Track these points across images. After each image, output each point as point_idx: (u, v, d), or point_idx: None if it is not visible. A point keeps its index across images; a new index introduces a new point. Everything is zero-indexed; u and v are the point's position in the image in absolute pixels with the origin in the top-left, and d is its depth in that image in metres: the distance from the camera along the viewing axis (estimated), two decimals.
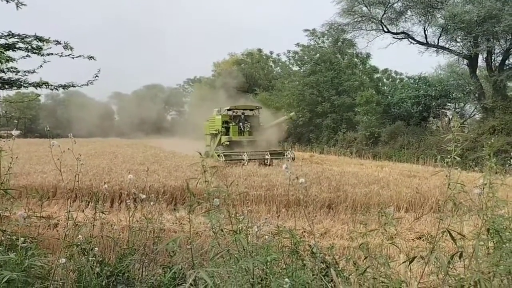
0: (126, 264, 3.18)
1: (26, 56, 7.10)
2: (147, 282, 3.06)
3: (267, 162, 21.54)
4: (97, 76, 7.25)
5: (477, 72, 28.47)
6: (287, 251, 3.31)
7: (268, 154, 22.05)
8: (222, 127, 24.18)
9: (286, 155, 22.70)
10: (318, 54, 40.62)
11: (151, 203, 4.31)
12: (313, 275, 3.12)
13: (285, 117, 26.45)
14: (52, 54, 7.15)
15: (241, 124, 24.40)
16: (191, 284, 2.05)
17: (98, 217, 3.69)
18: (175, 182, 12.63)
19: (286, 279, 2.30)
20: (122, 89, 79.88)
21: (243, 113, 25.01)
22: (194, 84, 67.72)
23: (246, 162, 20.36)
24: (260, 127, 25.03)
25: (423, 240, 8.65)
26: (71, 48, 7.08)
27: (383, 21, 29.49)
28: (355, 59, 40.10)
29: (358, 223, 9.35)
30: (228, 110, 24.93)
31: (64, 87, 7.25)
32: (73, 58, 7.16)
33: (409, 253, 2.38)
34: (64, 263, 2.98)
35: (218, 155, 21.44)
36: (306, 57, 42.48)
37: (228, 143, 23.33)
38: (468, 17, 23.62)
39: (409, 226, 9.85)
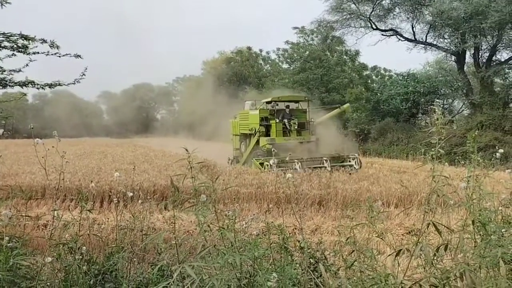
0: (114, 263, 3.16)
1: (12, 55, 7.01)
2: (135, 280, 3.05)
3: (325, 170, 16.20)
4: (84, 74, 7.18)
5: (464, 68, 28.73)
6: (276, 247, 3.32)
7: (328, 160, 16.81)
8: (261, 125, 18.43)
9: (349, 162, 17.56)
10: (307, 52, 40.67)
11: (140, 202, 4.29)
12: (302, 270, 3.13)
13: (337, 110, 20.96)
14: (38, 53, 7.07)
15: (285, 120, 18.53)
16: (179, 281, 2.05)
17: (85, 216, 3.66)
18: (165, 181, 12.58)
19: (274, 274, 2.30)
20: (111, 88, 79.26)
21: (287, 106, 19.13)
22: (184, 82, 67.49)
23: (300, 171, 15.47)
24: (311, 125, 19.22)
25: (412, 235, 8.72)
26: (58, 47, 7.00)
27: (371, 18, 29.60)
28: (344, 57, 40.23)
29: (345, 218, 9.41)
30: (268, 102, 19.15)
31: (51, 86, 7.17)
32: (59, 56, 7.08)
33: (397, 248, 2.41)
34: (51, 262, 2.96)
35: (262, 164, 16.17)
36: (295, 55, 42.52)
37: (270, 146, 17.06)
38: (456, 13, 23.82)
39: (398, 222, 9.91)
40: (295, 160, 16.02)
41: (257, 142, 18.29)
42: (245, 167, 17.26)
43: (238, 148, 20.87)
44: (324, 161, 16.75)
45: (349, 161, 17.56)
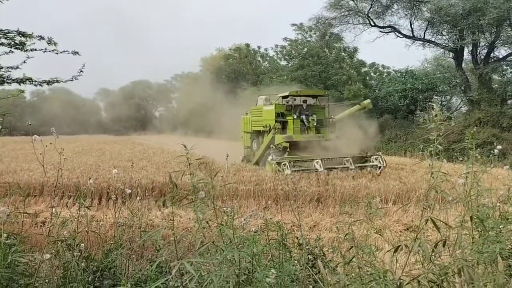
0: (112, 259, 3.16)
1: (9, 52, 6.99)
2: (133, 277, 3.05)
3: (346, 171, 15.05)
4: (81, 71, 7.17)
5: (462, 65, 28.75)
6: (275, 244, 3.32)
7: (351, 161, 15.57)
8: (277, 121, 16.91)
9: (372, 162, 16.23)
10: (305, 49, 40.62)
11: (138, 199, 4.29)
12: (300, 266, 3.14)
13: (357, 107, 19.32)
14: (35, 49, 7.06)
15: (304, 117, 17.08)
16: (178, 277, 2.05)
17: (83, 213, 3.65)
18: (163, 178, 12.58)
19: (272, 270, 2.30)
20: (109, 85, 79.05)
21: (304, 101, 17.72)
22: (182, 79, 67.35)
23: (321, 173, 14.18)
24: (331, 122, 17.73)
25: (410, 232, 8.75)
26: (55, 44, 6.99)
27: (369, 15, 29.57)
28: (343, 53, 40.20)
29: (344, 214, 9.43)
30: (284, 97, 17.72)
31: (48, 82, 7.16)
32: (57, 53, 7.07)
33: (396, 244, 2.41)
34: (49, 259, 2.96)
35: (279, 164, 14.38)
36: (293, 52, 42.47)
37: (287, 144, 16.00)
38: (454, 10, 23.82)
39: (396, 218, 9.94)
40: (316, 160, 15.01)
41: (272, 139, 16.72)
42: (259, 167, 16.08)
43: (249, 146, 19.47)
44: (346, 161, 15.53)
45: (372, 161, 16.25)
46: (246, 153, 19.61)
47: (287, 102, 17.52)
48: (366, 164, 16.11)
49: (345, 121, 18.45)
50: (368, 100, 20.56)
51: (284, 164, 14.19)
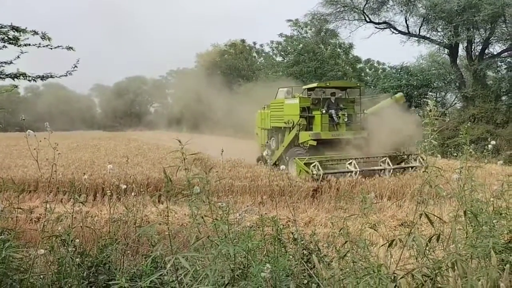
0: (107, 255, 3.16)
1: (3, 47, 6.93)
2: (128, 272, 3.04)
3: (383, 174, 13.61)
4: (76, 66, 7.12)
5: (457, 61, 28.85)
6: (270, 239, 3.33)
7: (388, 161, 13.99)
8: (301, 117, 15.11)
9: (410, 162, 14.77)
10: (301, 45, 40.59)
11: (133, 194, 4.28)
12: (295, 261, 3.15)
13: (389, 100, 17.26)
14: (29, 44, 7.00)
15: (332, 111, 15.14)
16: (173, 272, 2.05)
17: (78, 209, 3.64)
18: (158, 174, 12.56)
19: (267, 265, 2.31)
20: (104, 81, 78.75)
21: (333, 94, 15.73)
22: (177, 75, 67.11)
23: (356, 176, 12.94)
24: (363, 117, 15.77)
25: (405, 227, 8.80)
26: (49, 39, 6.94)
27: (365, 11, 29.55)
28: (338, 50, 40.20)
29: (339, 210, 9.46)
30: (310, 89, 15.91)
31: (42, 78, 7.11)
32: (51, 48, 7.02)
33: (390, 239, 2.42)
34: (44, 254, 2.95)
35: (307, 165, 13.01)
36: (289, 48, 42.42)
37: (314, 143, 14.44)
38: (449, 6, 23.86)
39: (391, 214, 9.99)
40: (350, 160, 13.49)
41: (295, 137, 15.13)
42: (297, 174, 13.54)
43: (266, 144, 17.40)
44: (382, 162, 14.00)
45: (411, 162, 14.77)
46: (265, 153, 17.73)
47: (318, 95, 15.64)
48: (404, 165, 14.65)
49: (377, 116, 16.10)
50: (401, 94, 18.18)
51: (314, 165, 12.81)
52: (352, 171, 13.11)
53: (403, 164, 14.79)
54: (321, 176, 12.60)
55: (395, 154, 14.80)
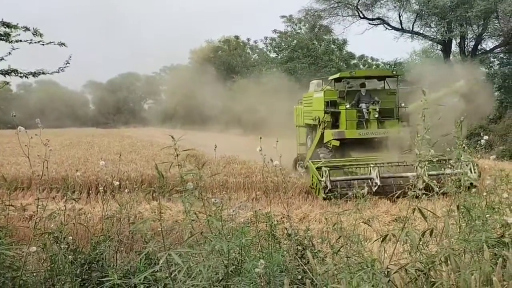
0: (100, 252, 3.14)
1: None
2: (122, 269, 3.03)
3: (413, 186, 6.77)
4: (68, 63, 7.07)
5: (450, 57, 28.96)
6: (264, 235, 3.33)
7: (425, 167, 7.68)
8: (326, 112, 13.21)
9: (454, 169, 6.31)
10: (295, 41, 40.57)
11: (126, 191, 4.26)
12: (289, 257, 3.15)
13: (448, 89, 13.23)
14: (21, 41, 6.94)
15: (363, 105, 13.12)
16: (166, 268, 2.04)
17: (71, 207, 3.62)
18: (152, 171, 12.51)
19: (261, 261, 2.31)
20: (97, 78, 78.22)
21: (362, 85, 13.53)
22: (171, 72, 66.89)
23: (375, 187, 10.57)
24: (404, 113, 13.15)
25: (398, 222, 8.82)
26: (41, 35, 6.88)
27: (358, 7, 29.55)
28: (332, 46, 40.22)
29: (333, 206, 9.45)
30: (337, 80, 13.96)
31: (34, 74, 7.05)
32: (43, 44, 6.96)
33: (384, 234, 2.43)
34: (36, 252, 2.93)
35: (319, 169, 10.88)
36: (283, 44, 42.38)
37: (337, 143, 12.60)
38: (442, 2, 23.93)
39: (385, 209, 10.02)
40: (372, 164, 11.04)
41: (322, 136, 13.30)
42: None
43: (304, 143, 15.62)
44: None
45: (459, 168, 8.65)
46: (301, 152, 15.56)
47: (344, 87, 13.78)
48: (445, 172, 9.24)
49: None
50: (462, 81, 13.47)
51: (325, 171, 10.67)
52: (372, 178, 10.72)
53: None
54: (327, 187, 10.39)
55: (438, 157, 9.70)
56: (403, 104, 13.11)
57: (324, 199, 10.41)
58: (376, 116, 12.78)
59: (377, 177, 10.73)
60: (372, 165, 11.05)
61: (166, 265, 1.94)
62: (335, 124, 13.18)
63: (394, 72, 14.96)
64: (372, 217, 8.13)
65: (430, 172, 2.78)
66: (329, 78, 14.35)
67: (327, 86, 14.23)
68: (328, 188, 10.36)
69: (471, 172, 9.67)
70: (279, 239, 3.39)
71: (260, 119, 22.01)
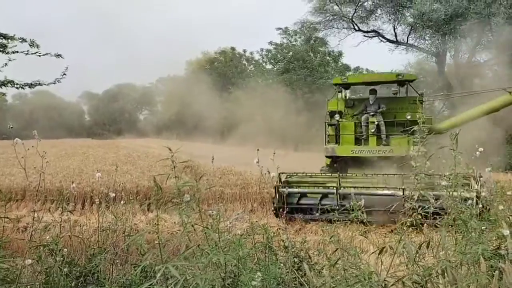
0: (96, 264, 3.12)
1: None
2: (117, 282, 3.01)
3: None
4: (64, 74, 7.10)
5: (445, 69, 29.24)
6: (260, 247, 3.32)
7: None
8: (329, 125, 11.62)
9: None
10: (291, 53, 40.82)
11: (122, 203, 4.24)
12: (286, 269, 3.13)
13: (505, 99, 10.76)
14: (17, 52, 6.97)
15: (364, 117, 11.37)
16: (162, 281, 2.03)
17: (66, 218, 3.60)
18: (148, 182, 12.47)
19: (258, 273, 2.30)
20: (93, 89, 78.12)
21: (372, 92, 11.61)
22: (167, 83, 67.00)
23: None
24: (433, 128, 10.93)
25: (395, 234, 8.78)
26: (37, 46, 6.92)
27: (354, 19, 29.90)
28: (328, 57, 40.48)
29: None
30: (344, 86, 12.00)
31: (31, 85, 7.07)
32: (39, 56, 6.99)
33: (380, 246, 2.42)
34: (31, 264, 2.90)
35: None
36: (279, 56, 42.62)
37: (328, 161, 11.65)
38: (436, 15, 24.23)
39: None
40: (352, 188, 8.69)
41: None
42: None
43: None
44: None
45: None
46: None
47: (350, 95, 12.08)
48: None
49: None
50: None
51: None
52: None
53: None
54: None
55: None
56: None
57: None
58: (373, 130, 10.96)
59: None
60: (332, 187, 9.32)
61: (163, 278, 1.93)
62: (336, 139, 11.46)
63: (411, 75, 12.95)
64: (369, 229, 8.08)
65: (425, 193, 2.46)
66: (343, 78, 11.87)
67: (334, 95, 12.36)
68: (275, 205, 9.43)
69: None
70: (275, 251, 3.37)
71: (256, 129, 22.02)
